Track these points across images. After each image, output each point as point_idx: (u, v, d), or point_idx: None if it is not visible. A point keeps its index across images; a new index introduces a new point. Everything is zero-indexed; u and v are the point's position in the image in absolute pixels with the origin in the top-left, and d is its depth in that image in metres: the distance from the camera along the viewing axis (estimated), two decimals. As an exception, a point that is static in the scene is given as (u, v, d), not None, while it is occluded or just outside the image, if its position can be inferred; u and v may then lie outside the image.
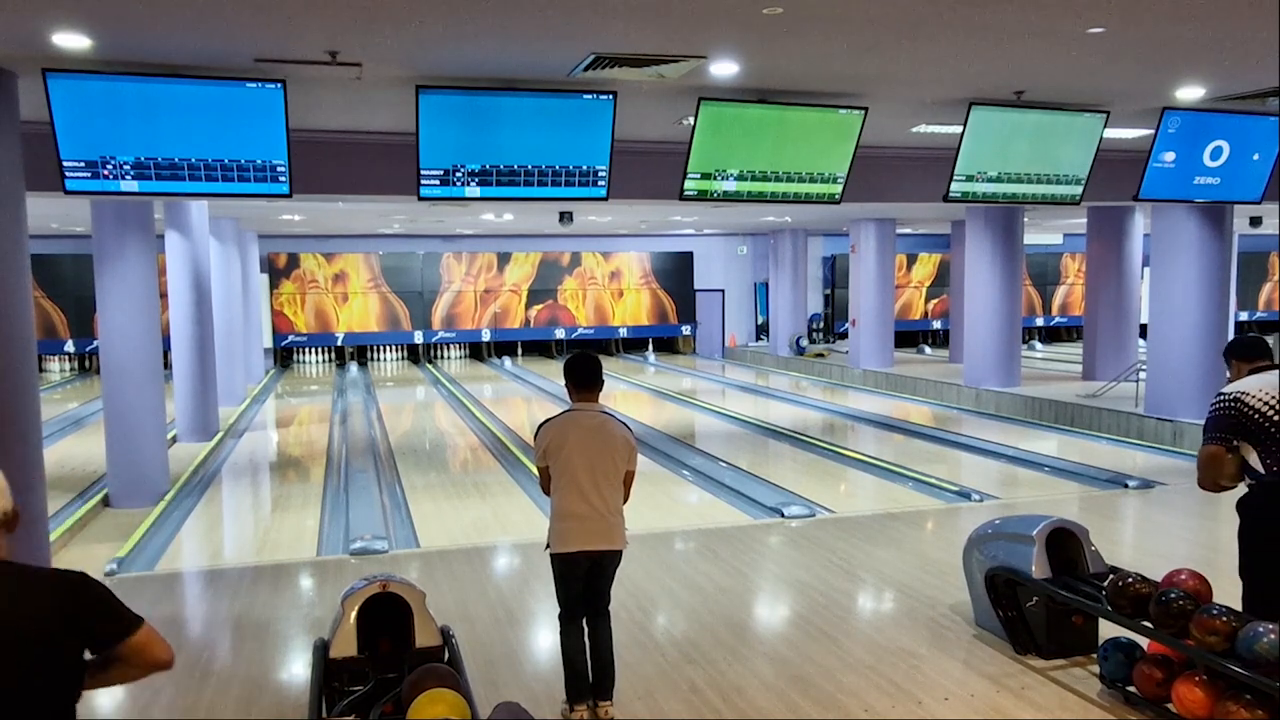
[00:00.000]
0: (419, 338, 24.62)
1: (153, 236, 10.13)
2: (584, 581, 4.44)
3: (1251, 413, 4.45)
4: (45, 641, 2.17)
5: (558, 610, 4.52)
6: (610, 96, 7.00)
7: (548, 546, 4.46)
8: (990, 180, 8.29)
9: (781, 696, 4.65)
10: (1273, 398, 4.43)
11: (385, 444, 12.97)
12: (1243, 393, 4.49)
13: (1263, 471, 4.44)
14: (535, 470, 4.52)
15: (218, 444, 12.66)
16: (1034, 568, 4.94)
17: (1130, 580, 4.46)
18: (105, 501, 9.55)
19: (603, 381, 4.51)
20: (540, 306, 25.29)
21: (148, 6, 5.04)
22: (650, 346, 26.66)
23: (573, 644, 4.43)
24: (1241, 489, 4.62)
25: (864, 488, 10.22)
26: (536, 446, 4.46)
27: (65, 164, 6.28)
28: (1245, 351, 4.63)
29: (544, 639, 5.68)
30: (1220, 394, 4.60)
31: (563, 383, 4.55)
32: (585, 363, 4.48)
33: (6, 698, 2.13)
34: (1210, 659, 3.97)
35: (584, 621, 4.47)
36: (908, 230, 24.67)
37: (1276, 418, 4.41)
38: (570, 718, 4.42)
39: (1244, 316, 26.02)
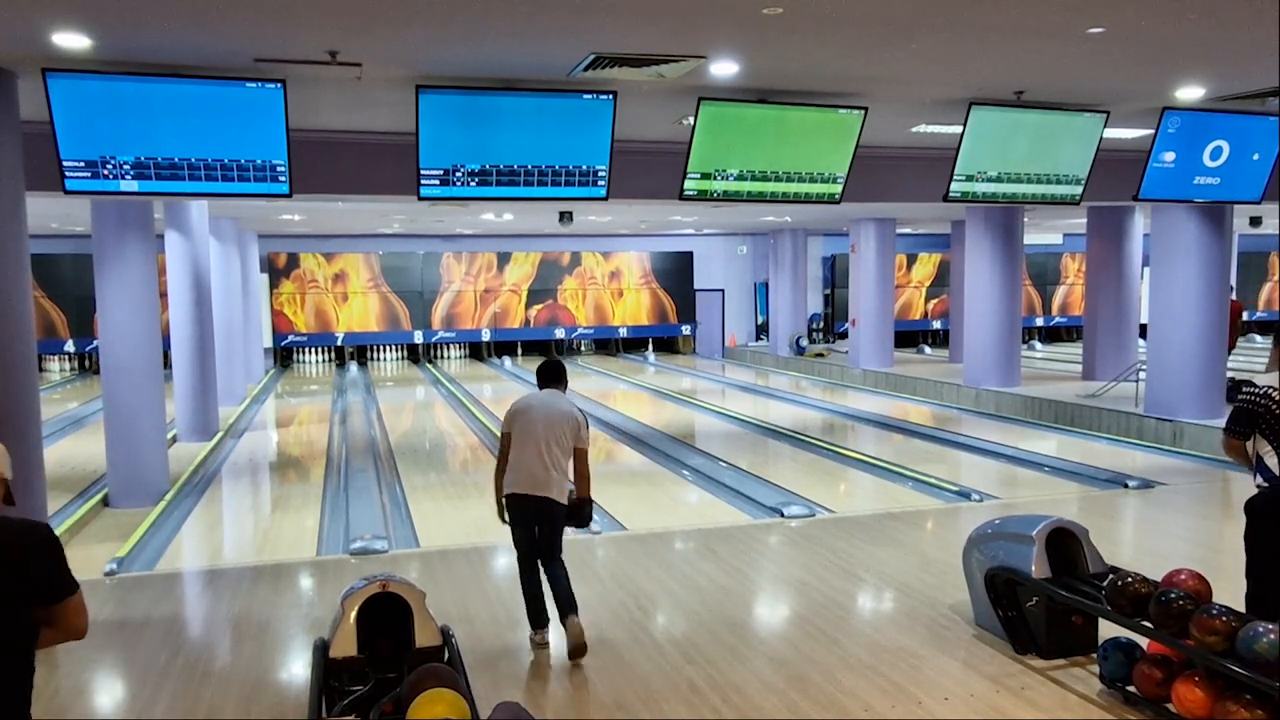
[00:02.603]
0: (419, 337, 24.62)
1: (153, 236, 10.13)
2: (535, 529, 5.17)
3: (1278, 409, 4.44)
4: (18, 590, 2.35)
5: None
6: (610, 96, 7.00)
7: (503, 506, 5.23)
8: (990, 180, 8.30)
9: (781, 696, 4.65)
10: None
11: (385, 444, 12.97)
12: (1274, 389, 4.46)
13: (1278, 475, 4.42)
14: (501, 450, 5.29)
15: (218, 444, 12.66)
16: (1034, 568, 4.94)
17: (1130, 580, 4.46)
18: (105, 501, 9.55)
19: (565, 381, 5.42)
20: (540, 306, 25.29)
21: (148, 6, 5.04)
22: (650, 346, 26.65)
23: (529, 580, 5.22)
24: (1251, 489, 4.61)
25: (864, 488, 10.21)
26: (505, 417, 5.29)
27: (65, 164, 6.28)
28: None
29: (544, 639, 5.69)
30: (1252, 386, 4.57)
31: (561, 385, 5.45)
32: (549, 364, 5.46)
33: None
34: (1210, 659, 3.97)
35: (542, 568, 5.21)
36: (908, 230, 24.66)
37: None
38: (534, 638, 5.25)
39: (1244, 316, 26.01)
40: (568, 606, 5.10)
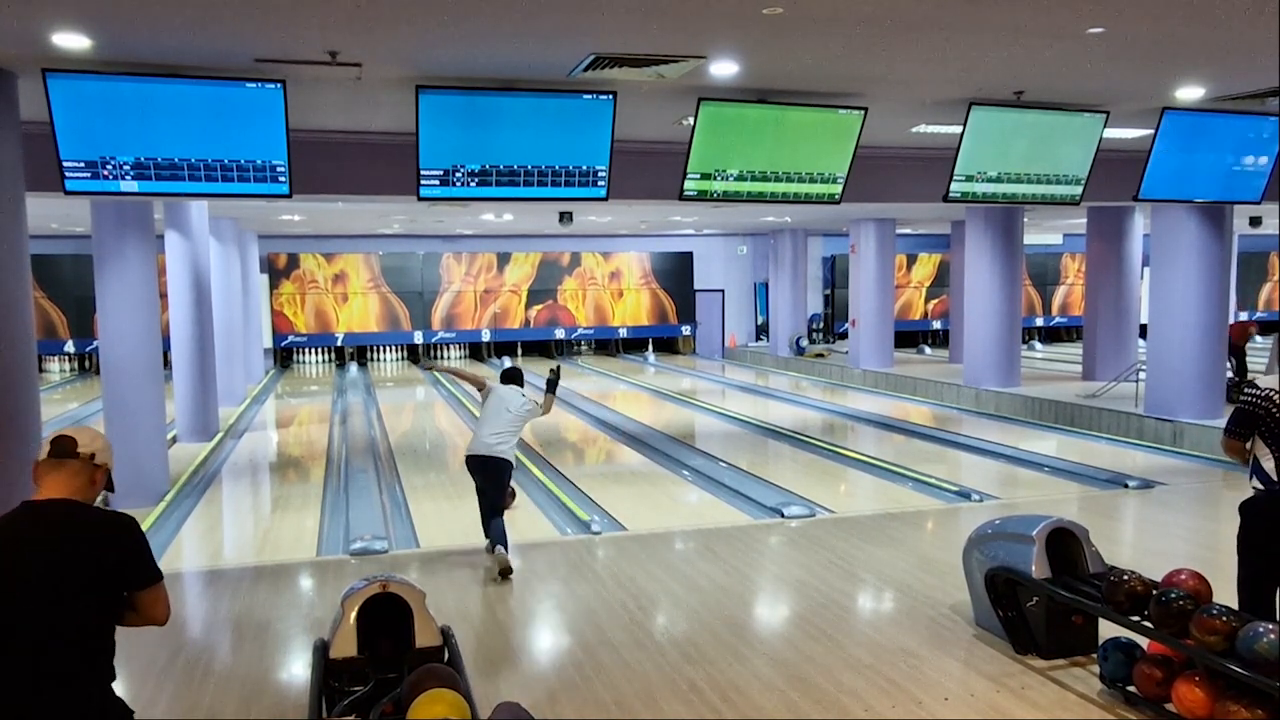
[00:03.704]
0: (419, 338, 24.61)
1: (153, 236, 10.13)
2: (482, 481, 6.94)
3: (1278, 413, 4.43)
4: (97, 574, 2.59)
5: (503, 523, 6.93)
6: (610, 96, 7.00)
7: (431, 367, 8.53)
8: (990, 180, 8.30)
9: (781, 696, 4.65)
10: None
11: (385, 444, 12.97)
12: (1275, 392, 4.46)
13: (1275, 479, 4.42)
14: (472, 372, 7.53)
15: (218, 444, 12.66)
16: (1034, 568, 4.94)
17: (1130, 580, 4.46)
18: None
19: (522, 382, 7.25)
20: (540, 307, 25.29)
21: (148, 6, 5.04)
22: (650, 346, 26.64)
23: (484, 513, 6.99)
24: (1248, 490, 4.61)
25: (864, 488, 10.21)
26: (489, 384, 7.21)
27: (65, 164, 6.28)
28: None
29: (544, 639, 5.69)
30: (1254, 387, 4.56)
31: (561, 384, 7.36)
32: (509, 370, 7.41)
33: (65, 620, 2.54)
34: (1210, 659, 3.97)
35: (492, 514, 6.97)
36: (908, 230, 24.66)
37: None
38: (489, 550, 6.94)
39: (1244, 316, 26.01)
40: (498, 540, 6.80)
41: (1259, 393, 4.52)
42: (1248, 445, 4.56)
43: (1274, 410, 4.44)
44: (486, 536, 6.99)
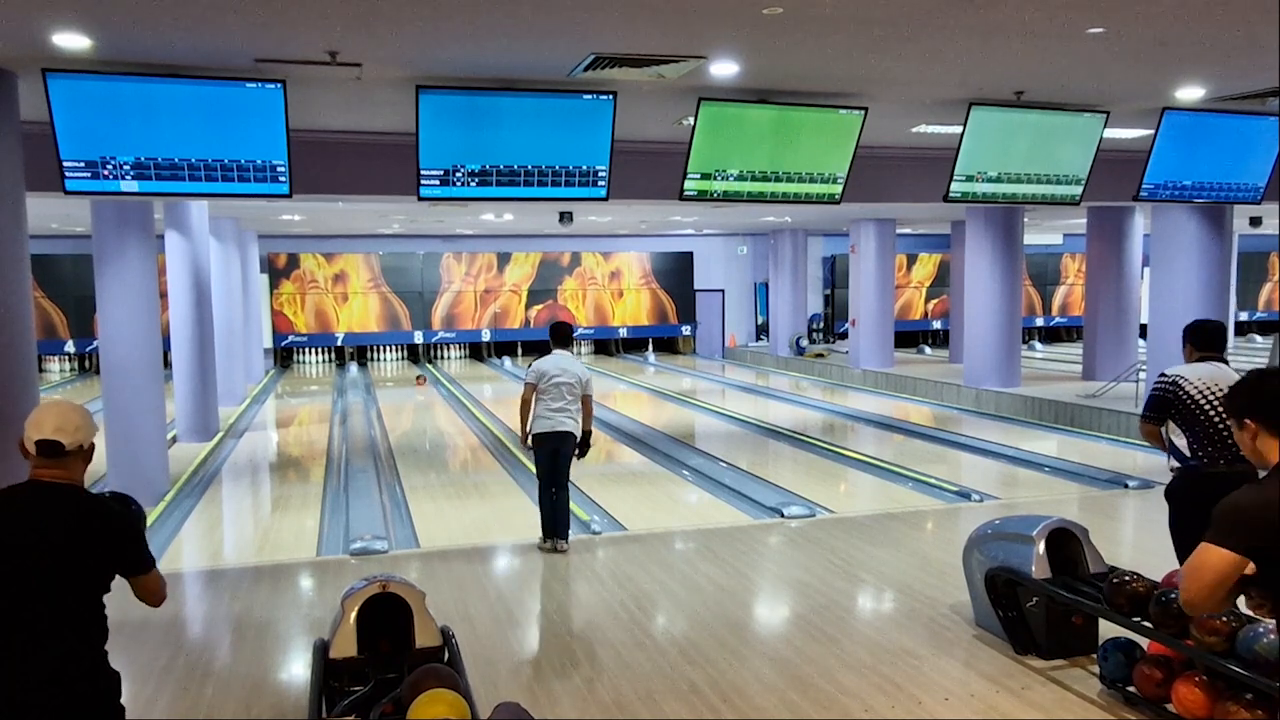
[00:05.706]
0: (419, 338, 24.62)
1: (153, 236, 10.13)
2: (551, 458, 6.96)
3: (1187, 399, 4.73)
4: (92, 555, 2.78)
5: (538, 483, 7.15)
6: (610, 96, 7.00)
7: (529, 437, 7.03)
8: (990, 180, 8.30)
9: (781, 696, 4.64)
10: (1212, 391, 4.68)
11: (385, 444, 12.97)
12: (1182, 378, 4.79)
13: (1189, 457, 4.63)
14: (524, 397, 7.02)
15: (218, 444, 12.66)
16: (1034, 568, 4.94)
17: (1130, 580, 4.46)
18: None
19: (571, 338, 7.22)
20: (540, 306, 25.28)
21: (148, 6, 5.04)
22: (650, 346, 26.64)
23: (545, 502, 7.08)
24: (1169, 475, 4.81)
25: (864, 488, 10.21)
26: (531, 372, 7.00)
27: (65, 164, 6.28)
28: (1198, 339, 4.97)
29: (544, 639, 5.69)
30: (1162, 374, 4.91)
31: (570, 346, 7.20)
32: (562, 327, 7.26)
33: (60, 593, 2.71)
34: (1210, 659, 3.97)
35: (552, 491, 7.02)
36: (908, 230, 24.65)
37: (1210, 411, 4.66)
38: (543, 546, 7.07)
39: (1244, 316, 26.01)
40: (561, 530, 7.04)
41: (1169, 378, 4.84)
42: (1162, 430, 4.86)
43: (1182, 395, 4.74)
44: (547, 534, 7.08)
